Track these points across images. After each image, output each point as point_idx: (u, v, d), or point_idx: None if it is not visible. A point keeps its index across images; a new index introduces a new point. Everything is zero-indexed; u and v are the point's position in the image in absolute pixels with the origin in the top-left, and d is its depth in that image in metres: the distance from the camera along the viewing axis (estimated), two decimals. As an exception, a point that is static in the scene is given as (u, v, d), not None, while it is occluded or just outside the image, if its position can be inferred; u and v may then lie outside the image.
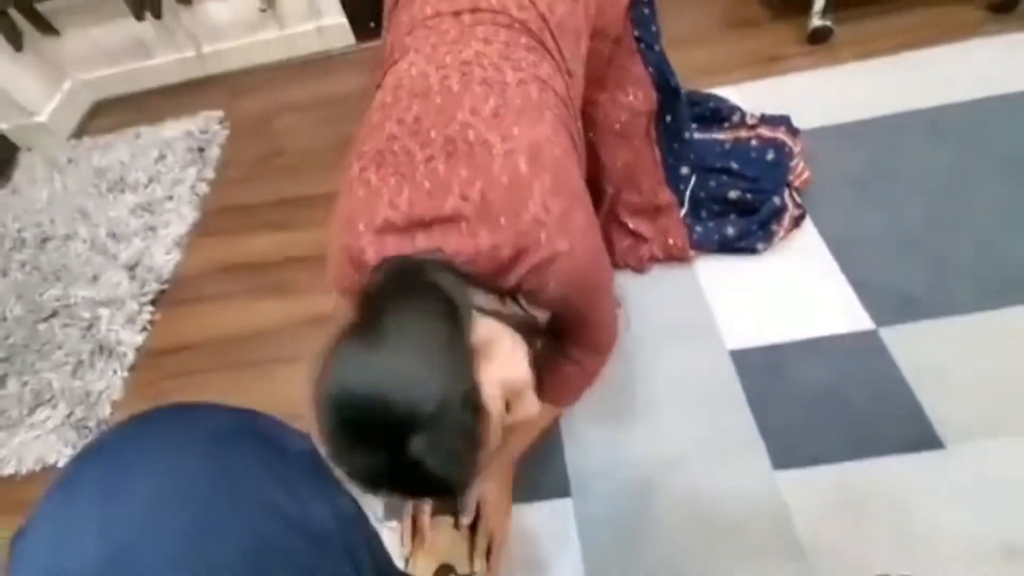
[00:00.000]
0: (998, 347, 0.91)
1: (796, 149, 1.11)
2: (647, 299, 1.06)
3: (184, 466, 0.29)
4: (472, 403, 0.49)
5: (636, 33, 0.86)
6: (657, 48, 0.92)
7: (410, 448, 0.46)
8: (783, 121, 1.15)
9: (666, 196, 1.07)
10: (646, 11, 0.87)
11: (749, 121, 1.18)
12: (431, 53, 0.68)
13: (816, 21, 1.42)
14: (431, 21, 0.72)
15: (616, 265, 1.10)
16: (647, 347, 1.01)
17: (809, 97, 1.29)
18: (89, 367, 1.19)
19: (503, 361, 0.54)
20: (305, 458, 0.35)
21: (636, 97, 0.90)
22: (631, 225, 1.08)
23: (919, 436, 0.84)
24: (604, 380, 0.96)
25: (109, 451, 0.31)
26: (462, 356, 0.51)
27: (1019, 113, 1.18)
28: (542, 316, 0.66)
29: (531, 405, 0.59)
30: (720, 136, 1.17)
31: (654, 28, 0.90)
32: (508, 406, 0.56)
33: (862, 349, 0.94)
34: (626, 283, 1.09)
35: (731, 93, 1.29)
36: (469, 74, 0.64)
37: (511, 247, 0.57)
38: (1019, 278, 0.96)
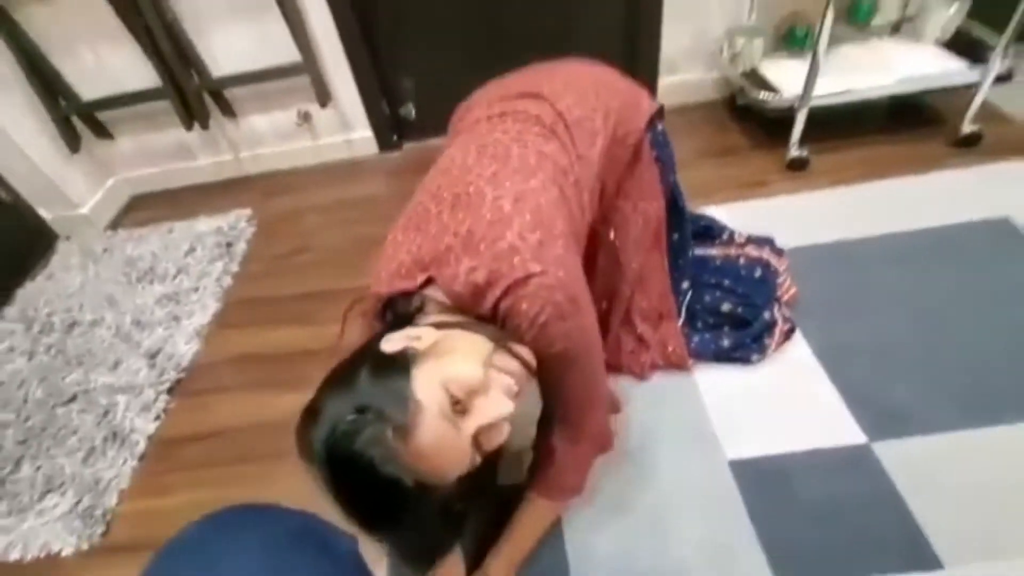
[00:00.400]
0: (986, 465, 0.94)
1: (781, 268, 1.22)
2: (650, 407, 1.10)
3: (260, 565, 0.34)
4: (391, 393, 0.59)
5: (655, 153, 0.99)
6: (672, 168, 1.04)
7: (338, 430, 0.57)
8: (768, 242, 1.26)
9: (669, 304, 1.15)
10: (661, 138, 1.01)
11: (738, 239, 1.29)
12: (463, 145, 0.84)
13: (793, 152, 1.59)
14: (473, 127, 0.88)
15: (619, 370, 1.16)
16: (651, 455, 1.04)
17: (791, 219, 1.42)
18: (101, 454, 1.22)
19: (445, 361, 0.62)
20: (352, 558, 0.40)
21: (651, 206, 1.01)
22: (639, 330, 1.15)
23: (918, 554, 0.86)
24: (607, 487, 0.99)
25: (196, 549, 0.36)
26: (368, 366, 0.62)
27: (982, 240, 1.29)
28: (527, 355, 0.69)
29: (497, 405, 0.62)
30: (712, 252, 1.28)
31: (669, 150, 1.02)
32: (464, 407, 0.61)
33: (857, 462, 0.98)
34: (629, 390, 1.14)
35: (720, 213, 1.42)
36: (483, 152, 0.79)
37: (486, 269, 0.66)
38: (999, 398, 1.02)
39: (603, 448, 0.89)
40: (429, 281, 0.70)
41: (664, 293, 1.13)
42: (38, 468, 1.20)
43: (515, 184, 0.73)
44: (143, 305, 1.59)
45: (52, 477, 1.18)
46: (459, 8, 1.77)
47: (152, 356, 1.43)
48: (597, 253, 1.04)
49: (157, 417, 1.30)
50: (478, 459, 0.63)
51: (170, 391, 1.36)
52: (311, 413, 0.61)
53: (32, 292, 1.71)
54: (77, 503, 1.13)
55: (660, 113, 0.99)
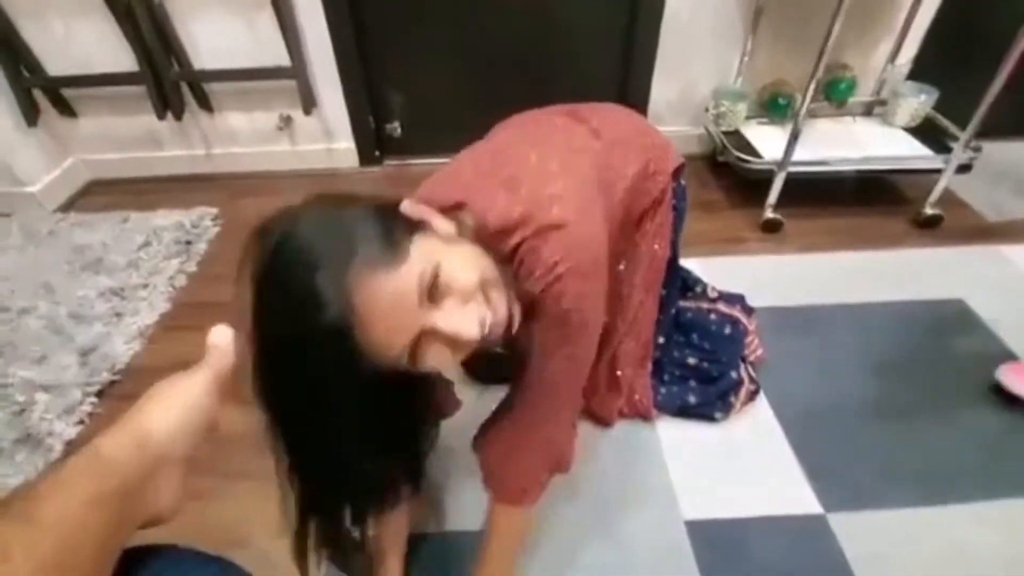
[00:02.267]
0: (935, 544, 0.95)
1: (750, 327, 1.22)
2: (612, 455, 1.08)
3: None
4: (387, 235, 0.52)
5: (673, 202, 0.99)
6: (680, 225, 1.03)
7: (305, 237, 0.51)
8: (739, 300, 1.27)
9: (649, 353, 1.13)
10: (681, 192, 1.01)
11: (711, 294, 1.29)
12: (500, 133, 0.87)
13: (769, 213, 1.63)
14: (512, 125, 0.90)
15: (588, 410, 1.13)
16: (610, 505, 1.01)
17: (762, 279, 1.44)
18: (9, 457, 1.10)
19: (450, 248, 0.57)
20: None
21: (661, 247, 1.01)
22: (619, 371, 1.12)
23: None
24: (565, 533, 0.95)
25: None
26: (376, 207, 0.56)
27: (939, 319, 1.34)
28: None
29: (465, 322, 0.55)
30: (685, 304, 1.28)
31: (684, 205, 1.03)
32: (438, 298, 0.54)
33: (811, 532, 0.97)
34: (592, 436, 1.12)
35: (694, 265, 1.43)
36: (525, 135, 0.82)
37: (523, 207, 0.65)
38: (949, 478, 1.03)
39: (558, 465, 0.82)
40: (458, 206, 0.67)
41: (648, 341, 1.12)
42: (-69, 468, 1.07)
43: (561, 155, 0.74)
44: (84, 297, 1.48)
45: (-54, 479, 1.05)
46: (458, 32, 1.78)
47: (85, 354, 1.32)
48: None
49: (80, 421, 1.19)
50: (404, 362, 0.55)
51: (99, 394, 1.25)
52: (285, 214, 0.53)
53: (-41, 270, 1.58)
54: (-29, 512, 1.00)
55: (682, 169, 1.00)
